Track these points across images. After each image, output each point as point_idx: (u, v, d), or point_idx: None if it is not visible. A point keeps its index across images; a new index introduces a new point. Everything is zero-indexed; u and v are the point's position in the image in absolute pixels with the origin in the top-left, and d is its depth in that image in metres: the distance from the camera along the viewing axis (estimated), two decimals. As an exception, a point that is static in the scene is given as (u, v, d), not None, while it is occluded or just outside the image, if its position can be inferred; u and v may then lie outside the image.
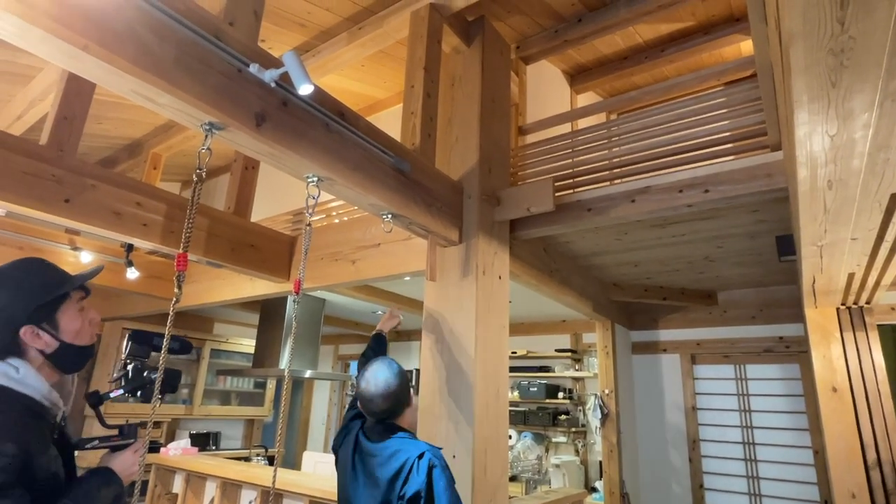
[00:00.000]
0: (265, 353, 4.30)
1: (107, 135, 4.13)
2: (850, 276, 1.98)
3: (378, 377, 1.66)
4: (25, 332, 1.11)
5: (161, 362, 1.36)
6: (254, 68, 1.58)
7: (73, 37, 1.20)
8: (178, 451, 3.93)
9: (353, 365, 7.15)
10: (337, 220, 3.46)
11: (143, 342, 1.62)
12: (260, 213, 3.95)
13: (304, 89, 1.57)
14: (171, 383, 1.50)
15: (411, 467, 1.50)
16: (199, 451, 4.45)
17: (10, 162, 2.24)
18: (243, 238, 3.18)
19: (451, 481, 1.51)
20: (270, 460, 4.98)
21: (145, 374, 1.51)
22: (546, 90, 3.97)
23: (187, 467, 3.68)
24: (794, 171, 1.20)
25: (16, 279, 1.15)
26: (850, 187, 1.21)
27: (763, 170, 2.20)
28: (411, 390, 1.74)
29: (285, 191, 4.45)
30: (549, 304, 4.04)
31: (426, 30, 2.52)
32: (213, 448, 5.15)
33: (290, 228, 3.64)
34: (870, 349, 2.39)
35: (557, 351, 4.98)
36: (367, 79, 3.77)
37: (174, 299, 1.41)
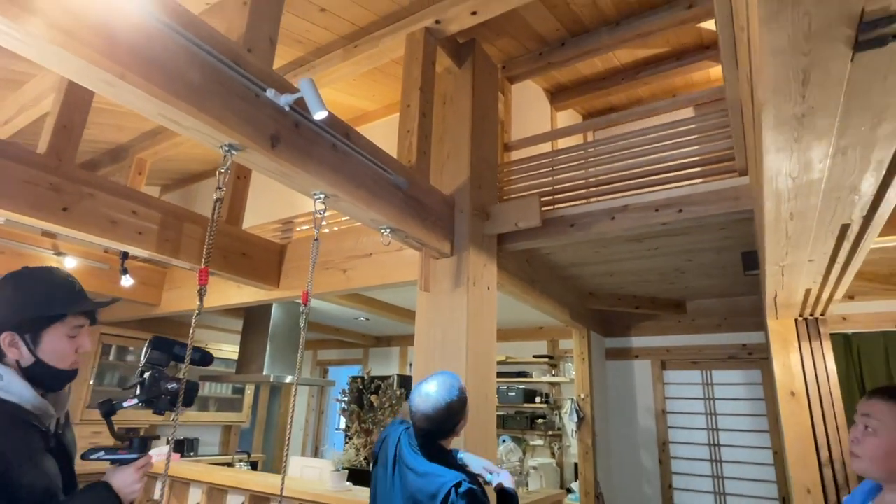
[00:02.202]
0: (249, 359, 4.32)
1: (92, 139, 4.11)
2: (808, 292, 2.20)
3: (431, 395, 1.60)
4: (5, 338, 1.08)
5: (184, 371, 1.40)
6: (270, 93, 1.68)
7: (111, 66, 1.28)
8: (161, 457, 3.91)
9: (332, 371, 7.19)
10: (328, 230, 3.55)
11: (165, 350, 1.53)
12: (247, 220, 3.99)
13: (319, 115, 1.68)
14: (190, 396, 1.39)
15: (447, 494, 1.45)
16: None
17: (9, 171, 2.26)
18: (235, 246, 3.24)
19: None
20: (253, 465, 4.99)
21: (161, 384, 1.46)
22: (528, 107, 4.14)
23: (171, 473, 3.68)
24: (761, 204, 1.38)
25: (19, 284, 1.14)
26: (808, 219, 1.39)
27: (731, 193, 2.41)
28: (464, 406, 1.65)
29: (273, 197, 4.49)
30: (527, 312, 4.20)
31: (422, 52, 2.65)
32: (192, 454, 5.12)
33: (280, 237, 3.71)
34: (824, 357, 2.62)
35: (535, 357, 5.16)
36: (357, 92, 3.88)
37: (196, 311, 1.49)
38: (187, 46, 1.45)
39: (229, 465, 4.74)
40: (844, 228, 1.47)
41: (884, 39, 0.74)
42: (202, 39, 1.50)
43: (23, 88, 3.07)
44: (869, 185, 1.19)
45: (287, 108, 1.73)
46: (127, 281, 3.31)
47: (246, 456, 4.80)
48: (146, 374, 1.39)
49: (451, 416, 1.60)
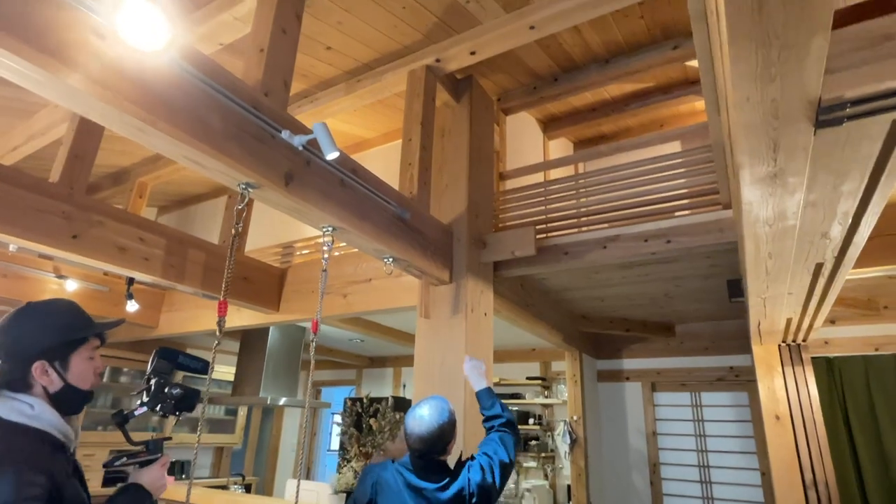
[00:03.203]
0: (245, 381, 4.36)
1: (95, 163, 4.17)
2: (789, 320, 2.32)
3: (425, 424, 1.74)
4: (37, 367, 1.15)
5: (208, 380, 1.48)
6: (285, 134, 1.79)
7: (144, 114, 1.39)
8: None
9: (325, 391, 7.19)
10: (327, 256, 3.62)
11: (170, 359, 1.63)
12: (248, 244, 4.06)
13: (332, 155, 1.79)
14: (190, 402, 1.50)
15: (464, 484, 1.73)
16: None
17: (24, 200, 2.34)
18: (237, 271, 3.31)
19: (486, 461, 1.78)
20: (247, 488, 4.97)
21: (166, 390, 1.51)
22: (521, 135, 4.29)
23: (167, 496, 3.68)
24: (743, 245, 1.50)
25: (43, 315, 1.21)
26: (785, 258, 1.51)
27: (716, 225, 2.54)
28: (453, 428, 1.81)
29: (273, 222, 4.57)
30: (519, 334, 4.29)
31: (423, 88, 2.78)
32: (183, 477, 5.10)
33: (280, 261, 3.78)
34: (806, 381, 2.74)
35: (528, 378, 5.23)
36: (355, 121, 4.00)
37: (216, 342, 1.57)
38: (211, 94, 1.56)
39: (224, 487, 4.72)
40: (819, 266, 1.59)
41: (840, 120, 0.87)
42: (224, 87, 1.60)
43: (34, 118, 3.15)
44: (837, 232, 1.31)
45: (300, 148, 1.84)
46: (132, 306, 3.37)
47: (240, 478, 4.79)
48: (152, 382, 1.48)
49: (442, 436, 1.75)
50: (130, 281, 3.30)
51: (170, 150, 1.52)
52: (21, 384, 1.14)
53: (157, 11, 1.30)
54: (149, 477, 1.26)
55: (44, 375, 1.16)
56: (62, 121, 2.99)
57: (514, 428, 1.92)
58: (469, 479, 1.74)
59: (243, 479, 4.79)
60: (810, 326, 2.45)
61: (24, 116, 3.20)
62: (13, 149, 3.28)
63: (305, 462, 6.68)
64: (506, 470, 1.81)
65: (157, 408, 1.41)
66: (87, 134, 2.66)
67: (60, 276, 3.66)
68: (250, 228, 3.74)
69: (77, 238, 2.52)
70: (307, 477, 6.58)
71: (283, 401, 4.25)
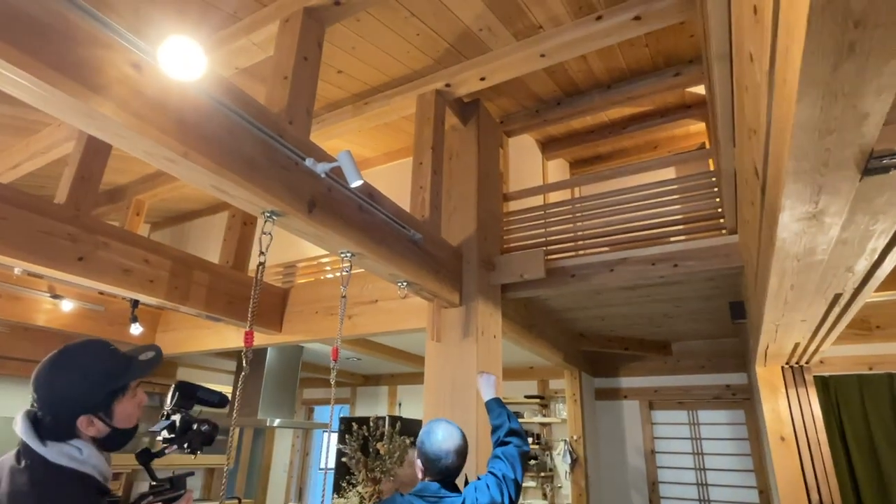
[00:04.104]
0: (243, 402, 4.28)
1: (91, 181, 4.12)
2: (797, 345, 2.37)
3: (451, 437, 1.77)
4: (82, 421, 1.14)
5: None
6: (309, 162, 1.79)
7: (177, 145, 1.38)
8: None
9: (318, 409, 7.09)
10: (331, 276, 3.61)
11: (190, 395, 1.61)
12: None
13: (356, 184, 1.79)
14: (214, 436, 1.56)
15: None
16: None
17: (28, 222, 2.30)
18: (240, 292, 3.28)
19: (492, 480, 1.77)
20: (242, 512, 4.85)
21: (195, 426, 1.53)
22: (520, 156, 4.34)
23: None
24: (766, 277, 1.53)
25: (83, 367, 1.18)
26: (806, 290, 1.55)
27: (723, 250, 2.59)
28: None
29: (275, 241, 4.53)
30: (518, 352, 4.29)
31: (433, 112, 2.81)
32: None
33: (282, 280, 3.75)
34: (809, 402, 2.79)
35: (526, 397, 5.22)
36: (358, 140, 4.01)
37: (242, 373, 1.55)
38: (241, 124, 1.56)
39: (218, 512, 4.59)
40: (837, 296, 1.63)
41: (887, 168, 0.90)
42: (253, 117, 1.61)
43: (36, 136, 3.10)
44: (862, 266, 1.35)
45: (323, 175, 1.84)
46: (136, 329, 3.30)
47: (236, 501, 4.68)
48: (173, 417, 1.48)
49: (466, 452, 1.81)
50: (135, 303, 3.24)
51: (198, 179, 1.51)
52: (67, 434, 1.13)
53: (195, 43, 1.30)
54: None
55: (90, 427, 1.14)
56: (65, 140, 2.95)
57: (520, 436, 1.92)
58: (476, 500, 1.73)
59: (239, 501, 4.68)
60: (816, 350, 2.50)
61: (24, 134, 3.15)
62: (13, 167, 3.22)
63: (298, 483, 6.56)
64: (514, 486, 1.80)
65: (186, 445, 1.40)
66: (95, 155, 2.63)
67: (55, 296, 3.57)
68: (252, 248, 3.71)
69: (83, 260, 2.47)
70: (299, 498, 6.45)
71: (281, 422, 4.19)
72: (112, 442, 1.19)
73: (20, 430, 1.13)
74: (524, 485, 4.95)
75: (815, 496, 2.64)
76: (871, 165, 0.90)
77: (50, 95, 1.16)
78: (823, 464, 2.71)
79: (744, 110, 1.45)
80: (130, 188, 4.31)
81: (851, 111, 0.77)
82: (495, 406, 2.05)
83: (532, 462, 4.95)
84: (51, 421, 1.13)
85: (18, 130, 3.11)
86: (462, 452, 1.77)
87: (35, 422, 1.14)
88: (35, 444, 1.10)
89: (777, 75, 0.88)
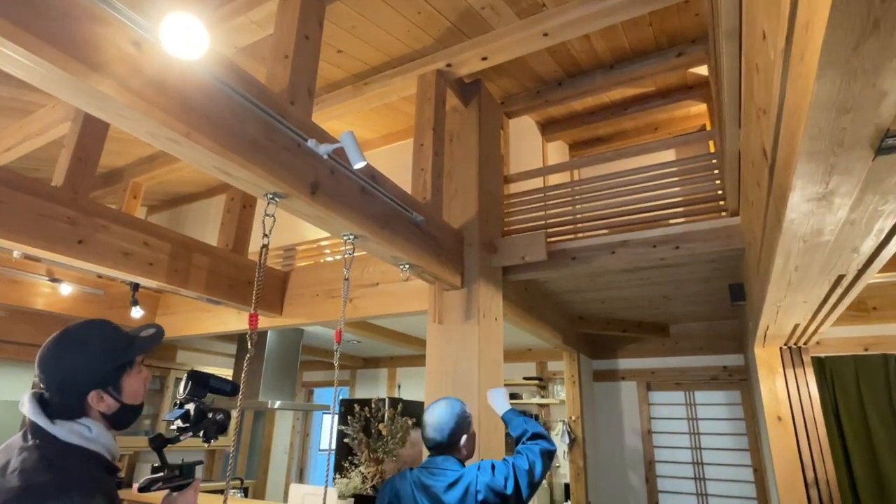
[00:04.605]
0: (244, 384, 4.29)
1: (87, 163, 4.07)
2: (796, 326, 2.38)
3: (435, 414, 1.84)
4: (92, 397, 1.15)
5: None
6: (311, 143, 1.77)
7: (179, 126, 1.36)
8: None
9: (318, 392, 7.14)
10: (331, 259, 3.60)
11: (203, 383, 1.63)
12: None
13: (359, 165, 1.77)
14: (227, 425, 1.58)
15: (472, 480, 1.70)
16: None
17: (26, 204, 2.27)
18: (241, 275, 3.27)
19: (501, 464, 1.75)
20: (245, 492, 4.91)
21: (210, 415, 1.55)
22: (520, 138, 4.31)
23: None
24: (770, 258, 1.54)
25: (88, 345, 1.19)
26: (810, 271, 1.55)
27: (724, 232, 2.60)
28: (467, 424, 1.86)
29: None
30: (517, 334, 4.31)
31: (434, 93, 2.77)
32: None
33: (282, 264, 3.74)
34: (807, 383, 2.82)
35: (525, 379, 5.27)
36: (358, 122, 3.97)
37: (248, 355, 1.55)
38: (244, 104, 1.54)
39: (222, 492, 4.66)
40: (840, 278, 1.64)
41: (901, 148, 0.89)
42: (255, 97, 1.58)
43: (31, 117, 3.05)
44: (868, 247, 1.35)
45: (325, 157, 1.82)
46: (137, 312, 3.29)
47: (239, 482, 4.74)
48: (187, 406, 1.49)
49: (452, 426, 1.81)
50: (135, 286, 3.22)
51: (201, 160, 1.50)
52: (76, 412, 1.13)
53: (196, 21, 1.28)
54: (184, 502, 1.28)
55: (100, 402, 1.16)
56: (61, 121, 2.91)
57: (545, 438, 1.90)
58: (477, 477, 1.72)
59: (241, 482, 4.74)
60: (815, 332, 2.52)
61: (18, 116, 3.10)
62: (7, 149, 3.17)
63: (298, 464, 6.64)
64: (527, 478, 1.76)
65: (202, 433, 1.42)
66: (91, 137, 2.59)
67: (54, 280, 3.56)
68: (252, 230, 3.69)
69: (82, 243, 2.46)
70: (300, 479, 6.54)
71: (282, 404, 4.21)
72: (121, 419, 1.20)
73: (28, 410, 1.13)
74: (523, 464, 5.02)
75: (810, 474, 2.69)
76: (886, 145, 0.89)
77: (48, 73, 1.14)
78: (819, 443, 2.75)
79: (752, 90, 1.44)
80: (127, 171, 4.27)
81: (870, 90, 0.76)
82: (513, 417, 2.02)
83: (531, 442, 5.02)
84: (59, 399, 1.13)
85: (13, 112, 3.06)
86: (439, 427, 1.80)
87: (42, 402, 1.14)
88: (44, 423, 1.10)
89: (793, 53, 0.86)
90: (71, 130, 2.57)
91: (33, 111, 3.04)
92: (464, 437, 1.83)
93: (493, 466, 1.75)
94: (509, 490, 1.69)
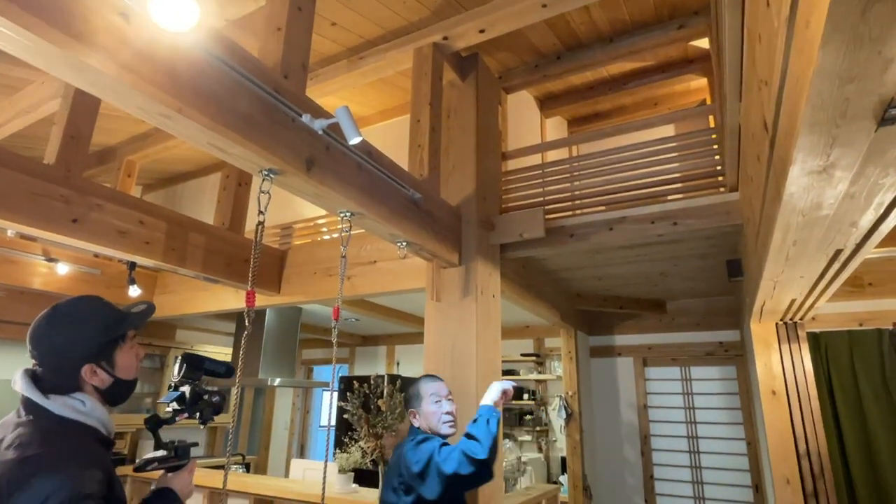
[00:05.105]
0: (244, 362, 4.32)
1: (79, 141, 4.02)
2: (792, 301, 2.39)
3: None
4: (86, 370, 1.16)
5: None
6: (306, 118, 1.74)
7: (171, 101, 1.33)
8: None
9: (317, 369, 7.20)
10: (328, 237, 3.59)
11: (197, 366, 1.64)
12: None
13: (355, 140, 1.75)
14: (222, 406, 1.60)
15: (399, 457, 1.89)
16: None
17: (19, 183, 2.25)
18: (238, 253, 3.26)
19: (419, 444, 1.84)
20: (247, 468, 4.99)
21: (206, 397, 1.56)
22: (518, 114, 4.26)
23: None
24: (769, 233, 1.53)
25: (80, 319, 1.19)
26: (808, 246, 1.55)
27: (723, 208, 2.59)
28: (413, 399, 2.05)
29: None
30: (515, 311, 4.33)
31: (430, 67, 2.72)
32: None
33: (279, 242, 3.73)
34: (802, 358, 2.85)
35: (522, 355, 5.32)
36: (353, 98, 3.91)
37: (245, 332, 1.55)
38: (236, 78, 1.51)
39: (223, 467, 4.73)
40: (837, 252, 1.63)
41: (905, 118, 0.88)
42: (248, 71, 1.55)
43: (20, 94, 3.00)
44: (867, 220, 1.34)
45: (320, 132, 1.79)
46: (135, 291, 3.29)
47: (241, 458, 4.81)
48: (182, 389, 1.51)
49: (407, 401, 2.10)
50: (132, 266, 3.21)
51: (194, 136, 1.47)
52: (70, 387, 1.13)
53: (185, -9, 1.24)
54: (180, 483, 1.30)
55: (94, 376, 1.16)
56: (51, 98, 2.86)
57: (477, 441, 1.76)
58: (407, 449, 1.87)
59: (243, 458, 4.80)
60: (811, 307, 2.53)
61: (6, 92, 3.04)
62: (-3, 126, 3.13)
63: (299, 440, 6.73)
64: (435, 468, 1.74)
65: (198, 415, 1.44)
66: (82, 113, 2.55)
67: (50, 260, 3.55)
68: (248, 208, 3.66)
69: (77, 222, 2.44)
70: (301, 455, 6.64)
71: (282, 381, 4.25)
72: (115, 394, 1.21)
73: (20, 386, 1.13)
74: (521, 439, 5.11)
75: (802, 446, 2.73)
76: (889, 115, 0.88)
77: (34, 45, 1.11)
78: (812, 416, 2.79)
79: (755, 61, 1.41)
80: (120, 149, 4.22)
81: (876, 58, 0.74)
82: (481, 413, 1.90)
83: (527, 417, 5.09)
84: (52, 374, 1.14)
85: (1, 88, 3.00)
86: (407, 400, 2.09)
87: (35, 378, 1.14)
88: (38, 398, 1.11)
89: (798, 20, 0.84)
90: (61, 107, 2.53)
91: (22, 87, 2.98)
92: (411, 411, 2.04)
93: (420, 444, 1.85)
94: (414, 470, 1.78)
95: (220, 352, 5.39)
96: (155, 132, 4.01)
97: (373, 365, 6.42)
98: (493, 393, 1.98)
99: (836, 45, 0.72)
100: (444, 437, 1.96)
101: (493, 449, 1.76)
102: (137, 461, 1.34)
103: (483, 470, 1.73)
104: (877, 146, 0.98)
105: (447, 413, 1.99)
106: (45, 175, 2.34)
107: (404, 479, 1.82)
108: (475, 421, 1.86)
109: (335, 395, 2.12)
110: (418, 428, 2.02)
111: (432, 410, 1.99)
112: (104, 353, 1.19)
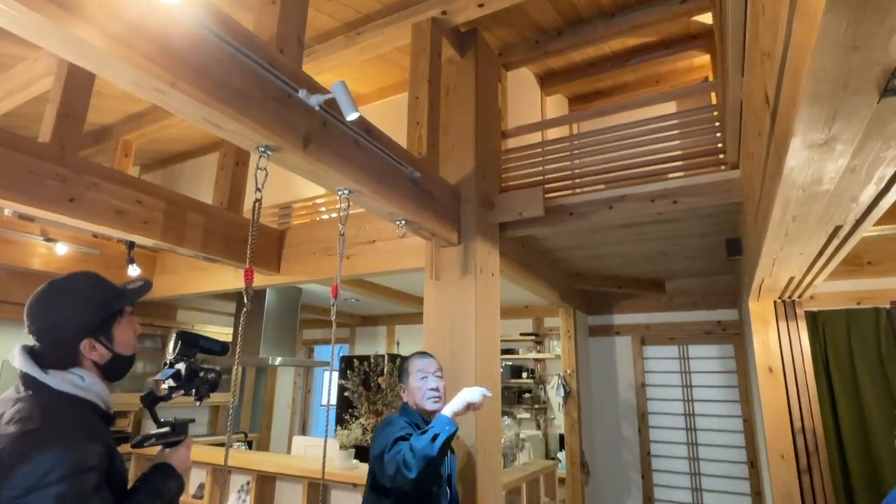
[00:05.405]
0: (244, 341, 4.36)
1: (75, 120, 3.98)
2: (791, 279, 2.40)
3: None
4: (85, 345, 1.17)
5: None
6: (302, 94, 1.72)
7: (164, 74, 1.31)
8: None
9: (318, 349, 7.26)
10: (326, 217, 3.58)
11: (193, 344, 1.65)
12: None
13: (352, 116, 1.73)
14: (218, 382, 1.60)
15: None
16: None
17: (15, 161, 2.23)
18: (236, 233, 3.25)
19: (385, 427, 1.86)
20: (249, 445, 5.07)
21: (201, 374, 1.57)
22: (518, 91, 4.21)
23: (200, 458, 3.73)
24: (769, 209, 1.52)
25: (77, 294, 1.20)
26: (808, 222, 1.55)
27: (724, 185, 2.57)
28: (402, 374, 2.11)
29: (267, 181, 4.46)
30: (514, 292, 4.35)
31: (429, 43, 2.68)
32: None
33: (277, 222, 3.72)
34: (799, 336, 2.87)
35: (522, 335, 5.35)
36: (351, 75, 3.86)
37: (244, 309, 1.55)
38: (231, 52, 1.48)
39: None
40: (837, 229, 1.63)
41: (908, 89, 0.86)
42: (243, 44, 1.52)
43: (11, 71, 2.95)
44: (867, 196, 1.34)
45: (317, 108, 1.77)
46: (134, 270, 3.29)
47: (243, 436, 4.88)
48: (178, 366, 1.50)
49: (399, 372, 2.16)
50: (131, 245, 3.21)
51: (189, 112, 1.45)
52: (69, 362, 1.14)
53: (176, -39, 1.21)
54: (177, 458, 1.32)
55: (93, 351, 1.17)
56: (43, 75, 2.82)
57: (413, 462, 1.63)
58: (378, 428, 1.95)
59: (245, 436, 4.87)
60: (809, 284, 2.53)
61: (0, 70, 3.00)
62: (-9, 105, 3.09)
63: (301, 418, 6.82)
64: (382, 459, 1.74)
65: (193, 392, 1.43)
66: (76, 91, 2.51)
67: (49, 240, 3.54)
68: (246, 189, 3.65)
69: (74, 201, 2.43)
70: (303, 432, 6.73)
71: (283, 360, 4.29)
72: (113, 369, 1.22)
73: (19, 362, 1.14)
74: (519, 416, 5.17)
75: (797, 422, 2.77)
76: (892, 86, 0.86)
77: (23, 17, 1.09)
78: (808, 393, 2.82)
79: (758, 34, 1.39)
80: (116, 128, 4.18)
81: (879, 26, 0.73)
82: (434, 423, 1.74)
83: (526, 395, 5.14)
84: (51, 349, 1.14)
85: (-7, 65, 2.96)
86: (398, 375, 2.17)
87: (33, 354, 1.15)
88: (37, 373, 1.11)
89: (804, -11, 0.82)
90: (54, 84, 2.49)
91: (14, 65, 2.94)
92: (400, 387, 2.10)
93: (385, 428, 1.86)
94: (374, 452, 1.83)
95: (221, 332, 5.42)
96: (151, 111, 3.97)
97: (373, 345, 6.47)
98: (456, 403, 1.81)
99: (839, 12, 0.71)
100: (430, 412, 1.98)
101: (427, 471, 1.61)
102: (135, 438, 1.35)
103: (421, 481, 1.63)
104: (879, 118, 0.97)
105: (432, 389, 2.00)
106: (40, 154, 2.32)
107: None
108: (424, 432, 1.71)
109: (333, 375, 2.13)
110: (406, 403, 2.07)
111: (418, 386, 2.01)
112: (102, 327, 1.20)
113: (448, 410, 1.80)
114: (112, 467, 1.12)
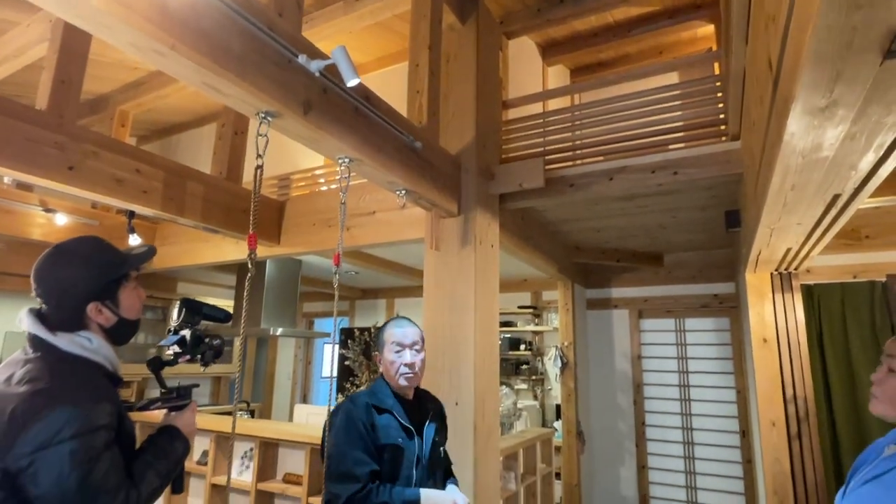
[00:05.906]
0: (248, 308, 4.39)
1: (70, 89, 3.92)
2: (788, 250, 2.42)
3: None
4: (91, 309, 1.18)
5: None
6: (302, 59, 1.70)
7: (164, 36, 1.30)
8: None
9: (318, 322, 7.32)
10: (325, 188, 3.57)
11: (196, 311, 1.67)
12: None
13: (352, 82, 1.72)
14: (222, 350, 1.63)
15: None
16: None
17: (14, 129, 2.22)
18: (236, 204, 3.25)
19: (340, 424, 1.69)
20: (252, 414, 5.16)
21: (206, 340, 1.60)
22: (519, 62, 4.16)
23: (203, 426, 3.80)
24: (768, 177, 1.53)
25: (84, 257, 1.21)
26: (806, 190, 1.55)
27: (724, 157, 2.57)
28: (379, 345, 1.86)
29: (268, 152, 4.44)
30: (513, 265, 4.37)
31: (429, 8, 2.63)
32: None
33: (277, 193, 3.71)
34: (794, 307, 2.90)
35: (520, 307, 5.40)
36: (350, 43, 3.80)
37: (248, 274, 1.57)
38: (230, 15, 1.46)
39: (229, 413, 4.90)
40: (835, 198, 1.64)
41: (911, 50, 0.86)
42: (241, 6, 1.50)
43: (5, 37, 2.90)
44: (867, 163, 1.34)
45: (317, 74, 1.76)
46: (135, 240, 3.30)
47: (246, 405, 4.97)
48: (183, 332, 1.53)
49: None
50: (131, 214, 3.21)
51: (188, 75, 1.44)
52: (76, 325, 1.15)
53: (172, -82, 1.19)
54: (183, 422, 1.34)
55: (99, 314, 1.19)
56: (38, 41, 2.77)
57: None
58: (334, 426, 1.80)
59: (248, 405, 4.97)
60: (806, 256, 2.55)
61: (-7, 36, 2.95)
62: (-16, 72, 3.05)
63: (302, 389, 6.93)
64: (328, 475, 1.66)
65: (199, 357, 1.46)
66: (72, 57, 2.48)
67: (49, 210, 3.54)
68: (245, 159, 3.63)
69: (73, 170, 2.42)
70: (304, 401, 6.84)
71: (284, 331, 4.33)
72: (119, 333, 1.24)
73: (27, 324, 1.15)
74: (517, 387, 5.26)
75: (789, 391, 2.82)
76: (895, 48, 0.86)
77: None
78: (801, 363, 2.87)
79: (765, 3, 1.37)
80: (113, 97, 4.13)
81: (885, -19, 0.73)
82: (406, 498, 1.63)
83: (524, 366, 5.22)
84: (58, 312, 1.16)
85: (-15, 31, 2.91)
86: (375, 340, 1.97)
87: (40, 317, 1.17)
88: (45, 335, 1.13)
89: (809, -56, 0.82)
90: (49, 51, 2.46)
91: (7, 30, 2.89)
92: (375, 355, 1.94)
93: (340, 430, 1.70)
94: (326, 460, 1.70)
95: (222, 304, 5.43)
96: (148, 80, 3.92)
97: (373, 318, 6.52)
98: (441, 499, 1.66)
99: (845, -33, 0.70)
100: (402, 387, 1.79)
101: None
102: (140, 402, 1.38)
103: None
104: (881, 81, 0.97)
105: (406, 365, 1.76)
106: (37, 121, 2.30)
107: None
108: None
109: (335, 348, 2.15)
110: (381, 374, 1.86)
111: (391, 360, 1.77)
112: (108, 291, 1.21)
113: (432, 496, 1.65)
114: (121, 427, 1.15)
